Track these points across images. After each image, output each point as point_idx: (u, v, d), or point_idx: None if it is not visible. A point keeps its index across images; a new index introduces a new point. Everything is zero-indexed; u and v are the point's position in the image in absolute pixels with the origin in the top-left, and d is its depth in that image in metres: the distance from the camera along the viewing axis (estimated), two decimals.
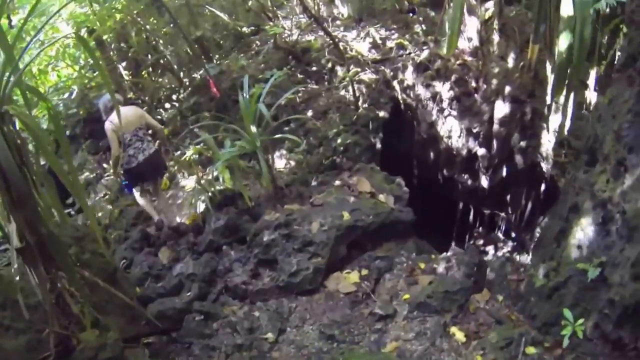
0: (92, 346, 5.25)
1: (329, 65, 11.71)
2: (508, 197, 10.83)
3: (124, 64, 14.12)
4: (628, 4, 5.84)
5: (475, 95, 10.01)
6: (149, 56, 13.96)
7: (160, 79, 14.30)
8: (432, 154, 11.41)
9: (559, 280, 5.59)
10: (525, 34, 9.09)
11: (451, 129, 10.53)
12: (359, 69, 11.05)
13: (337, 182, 8.56)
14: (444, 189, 11.72)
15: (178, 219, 9.81)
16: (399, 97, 11.11)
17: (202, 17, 13.55)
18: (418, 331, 5.98)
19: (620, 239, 4.95)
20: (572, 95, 7.65)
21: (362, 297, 6.72)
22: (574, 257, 5.54)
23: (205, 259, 7.46)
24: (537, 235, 9.85)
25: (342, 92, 11.08)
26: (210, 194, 8.51)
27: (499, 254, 11.27)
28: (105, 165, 12.78)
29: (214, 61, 12.76)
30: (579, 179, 5.89)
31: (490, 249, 11.49)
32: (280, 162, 10.25)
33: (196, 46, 11.91)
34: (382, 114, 10.71)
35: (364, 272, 7.08)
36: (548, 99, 8.62)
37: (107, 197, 11.43)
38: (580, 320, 5.13)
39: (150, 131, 9.44)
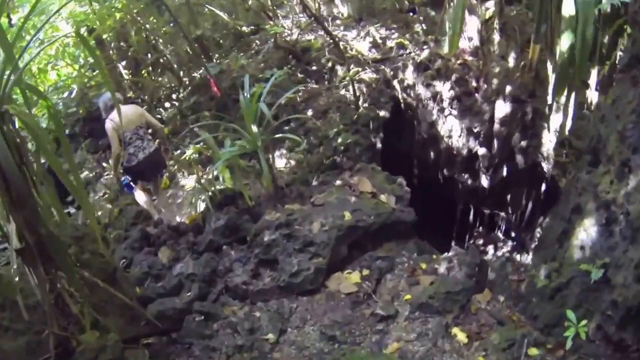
0: (92, 348, 5.22)
1: (329, 64, 11.70)
2: (508, 197, 10.82)
3: (123, 63, 14.14)
4: (631, 5, 5.82)
5: (476, 94, 10.00)
6: (149, 55, 13.98)
7: (160, 78, 14.32)
8: (432, 154, 11.40)
9: (561, 281, 5.57)
10: (526, 34, 9.08)
11: (451, 129, 10.52)
12: (359, 69, 11.04)
13: (338, 182, 8.53)
14: (444, 188, 11.71)
15: (178, 219, 9.80)
16: (400, 96, 11.09)
17: (202, 16, 13.54)
18: (420, 332, 5.95)
19: (623, 240, 4.92)
20: (573, 95, 7.64)
21: (363, 298, 6.67)
22: (576, 258, 5.53)
23: (206, 258, 7.42)
24: (538, 235, 9.84)
25: (343, 92, 11.07)
26: (210, 193, 8.48)
27: (499, 253, 11.27)
28: (104, 164, 12.78)
29: (214, 60, 12.76)
30: (581, 179, 5.87)
31: (490, 248, 11.49)
32: (280, 161, 10.23)
33: (196, 45, 11.89)
34: (382, 113, 10.70)
35: (365, 272, 7.03)
36: (549, 98, 8.61)
37: (106, 196, 11.43)
38: (583, 322, 5.10)
39: (150, 130, 9.44)
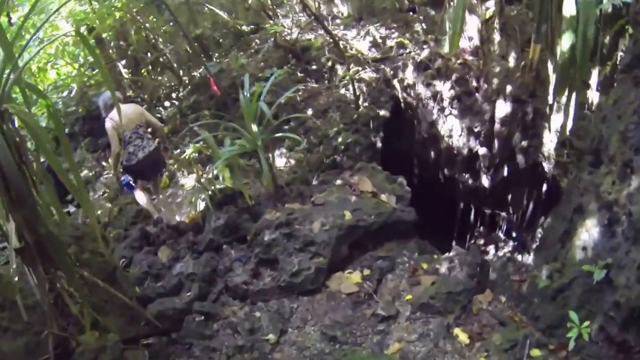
0: (91, 348, 5.19)
1: (329, 63, 11.68)
2: (509, 196, 10.81)
3: (123, 62, 14.14)
4: (633, 5, 5.81)
5: (476, 94, 9.98)
6: (149, 54, 13.97)
7: (159, 77, 14.31)
8: (432, 153, 11.39)
9: (564, 282, 5.55)
10: (527, 34, 9.07)
11: (452, 128, 10.50)
12: (359, 68, 11.02)
13: (338, 182, 8.51)
14: (444, 188, 11.69)
15: (178, 218, 9.77)
16: (400, 96, 11.08)
17: (202, 15, 13.51)
18: (421, 332, 5.92)
19: (626, 240, 4.91)
20: (574, 95, 7.62)
21: (364, 298, 6.65)
22: (578, 259, 5.51)
23: (205, 258, 7.40)
24: (539, 235, 9.82)
25: (342, 91, 11.05)
26: (210, 192, 8.46)
27: (500, 253, 11.25)
28: (104, 163, 12.76)
29: (214, 59, 12.74)
30: (583, 179, 5.85)
31: (491, 248, 11.47)
32: (280, 160, 10.22)
33: (196, 44, 11.87)
34: (382, 112, 10.69)
35: (366, 272, 7.02)
36: (550, 98, 8.59)
37: (106, 195, 11.40)
38: (586, 323, 5.08)
39: (149, 129, 9.42)
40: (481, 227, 11.94)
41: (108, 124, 8.83)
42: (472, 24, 9.71)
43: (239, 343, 6.14)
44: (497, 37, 9.58)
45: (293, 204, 8.05)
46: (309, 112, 10.70)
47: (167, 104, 13.51)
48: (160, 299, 7.04)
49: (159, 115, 12.75)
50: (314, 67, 11.87)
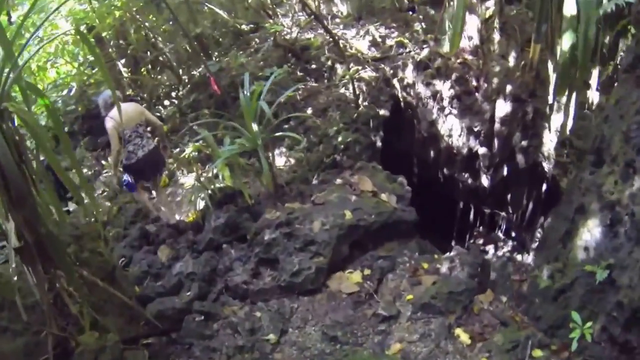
0: (91, 349, 5.18)
1: (329, 63, 11.67)
2: (509, 196, 10.80)
3: (123, 61, 14.15)
4: (635, 4, 5.80)
5: (476, 94, 9.97)
6: (148, 53, 13.98)
7: (159, 76, 14.33)
8: (432, 153, 11.38)
9: (565, 282, 5.54)
10: (526, 33, 9.06)
11: (452, 128, 10.49)
12: (359, 67, 11.00)
13: (339, 181, 8.49)
14: (444, 187, 11.68)
15: (177, 217, 9.76)
16: (399, 95, 11.07)
17: (201, 15, 13.51)
18: (422, 333, 5.90)
19: (628, 240, 4.89)
20: (574, 95, 7.61)
21: (365, 298, 6.63)
22: (580, 259, 5.49)
23: (205, 257, 7.38)
24: (538, 235, 9.84)
25: (342, 90, 11.03)
26: (209, 191, 8.44)
27: (499, 253, 11.24)
28: (103, 162, 12.77)
29: (213, 59, 12.73)
30: (585, 179, 5.83)
31: (490, 248, 11.46)
32: (280, 160, 10.20)
33: (195, 43, 11.86)
34: (382, 112, 10.68)
35: (367, 272, 6.99)
36: (550, 98, 8.58)
37: (105, 194, 11.38)
38: (589, 323, 5.06)
39: (149, 128, 9.41)
40: (480, 227, 11.94)
41: (108, 123, 8.82)
42: (472, 24, 9.69)
43: (239, 343, 6.12)
44: (497, 36, 9.57)
45: (293, 203, 8.03)
46: (309, 111, 10.68)
47: (166, 102, 13.52)
48: (160, 298, 7.01)
49: (158, 114, 12.75)
50: (313, 66, 11.86)
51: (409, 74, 10.86)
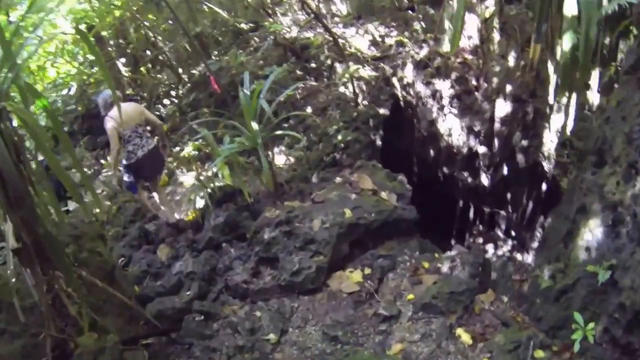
0: (90, 350, 5.15)
1: (329, 62, 11.66)
2: (509, 195, 10.78)
3: (122, 60, 14.15)
4: (637, 5, 5.77)
5: (476, 93, 9.97)
6: (148, 52, 13.99)
7: (159, 75, 14.34)
8: (432, 152, 11.38)
9: (567, 283, 5.50)
10: (526, 33, 9.04)
11: (451, 127, 10.49)
12: (358, 66, 10.98)
13: (338, 179, 8.47)
14: (444, 186, 11.67)
15: (177, 216, 9.74)
16: (399, 94, 11.07)
17: (201, 14, 13.51)
18: (423, 333, 5.88)
19: (630, 241, 4.86)
20: (574, 96, 7.59)
21: (365, 297, 6.61)
22: (582, 259, 5.46)
23: (205, 256, 7.37)
24: (538, 234, 9.82)
25: (342, 89, 11.03)
26: (209, 190, 8.42)
27: (499, 252, 11.22)
28: (102, 162, 12.77)
29: (213, 57, 12.72)
30: (586, 180, 5.80)
31: (490, 247, 11.43)
32: (279, 158, 10.19)
33: (195, 42, 11.85)
34: (382, 111, 10.67)
35: (367, 271, 6.97)
36: (550, 99, 8.56)
37: (105, 193, 11.36)
38: (591, 325, 5.03)
39: (149, 127, 9.40)
40: (480, 226, 11.91)
41: (108, 123, 8.82)
42: (472, 23, 9.69)
43: (239, 343, 6.10)
44: (496, 36, 9.56)
45: (293, 201, 8.01)
46: (309, 110, 10.68)
47: (166, 101, 13.55)
48: (160, 298, 7.00)
49: (158, 113, 12.77)
50: (313, 65, 11.86)
51: (409, 73, 10.85)
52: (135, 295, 6.91)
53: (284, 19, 13.21)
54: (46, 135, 6.60)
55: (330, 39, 11.29)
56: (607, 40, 7.17)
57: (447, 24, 10.30)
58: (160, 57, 14.02)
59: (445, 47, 10.30)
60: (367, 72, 11.03)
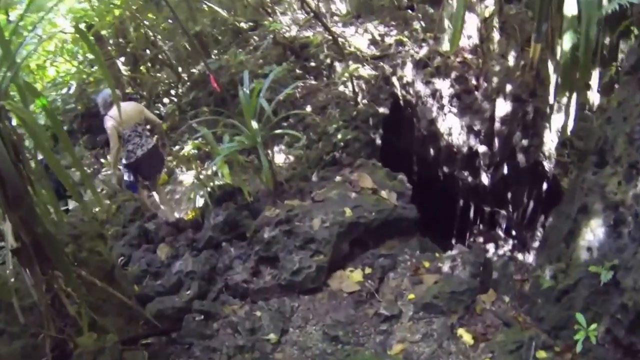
0: (89, 350, 5.12)
1: (328, 61, 11.66)
2: (509, 194, 10.78)
3: (122, 59, 14.15)
4: (638, 5, 5.75)
5: (476, 92, 9.96)
6: (148, 51, 13.99)
7: (158, 74, 14.35)
8: (432, 151, 11.38)
9: (569, 283, 5.48)
10: (526, 33, 9.04)
11: (451, 126, 10.49)
12: (358, 65, 10.97)
13: (338, 178, 8.45)
14: (444, 185, 11.66)
15: (177, 215, 9.73)
16: (399, 93, 11.07)
17: (201, 13, 13.51)
18: (424, 333, 5.84)
19: (632, 242, 4.85)
20: (574, 96, 7.58)
21: (366, 297, 6.58)
22: (583, 259, 5.44)
23: (205, 256, 7.35)
24: (539, 234, 9.81)
25: (341, 88, 11.04)
26: (209, 189, 8.40)
27: (500, 252, 11.22)
28: (102, 160, 12.76)
29: (213, 56, 12.72)
30: (587, 179, 5.78)
31: (490, 247, 11.43)
32: (279, 157, 10.19)
33: (195, 41, 11.85)
34: (381, 110, 10.67)
35: (368, 270, 6.93)
36: (550, 98, 8.55)
37: (104, 192, 11.35)
38: (594, 325, 5.01)
39: (148, 126, 9.39)
40: (481, 225, 11.91)
41: (107, 123, 8.81)
42: (471, 23, 9.68)
43: (239, 343, 6.07)
44: (496, 35, 9.55)
45: (293, 200, 7.99)
46: (308, 108, 10.68)
47: (166, 100, 13.55)
48: (160, 297, 6.99)
49: (157, 112, 12.77)
50: (312, 64, 11.86)
51: (408, 72, 10.85)
52: (135, 295, 6.90)
53: (283, 18, 13.22)
54: (45, 134, 6.59)
55: (330, 38, 11.29)
56: (607, 40, 7.16)
57: (446, 23, 10.29)
58: (160, 56, 14.02)
59: (445, 46, 10.30)
60: (366, 71, 11.03)
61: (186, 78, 13.29)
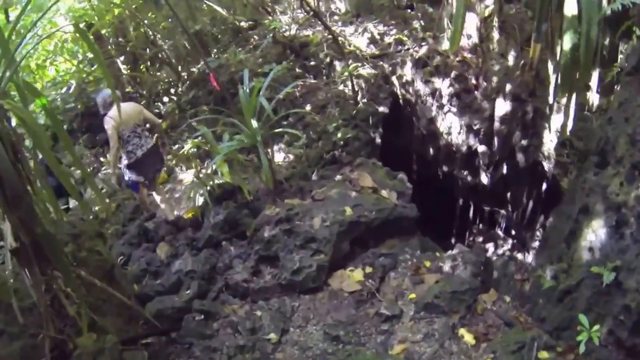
0: (89, 351, 5.10)
1: (328, 59, 11.65)
2: (509, 194, 10.77)
3: (122, 58, 14.13)
4: (639, 5, 5.74)
5: (475, 92, 9.96)
6: (147, 50, 13.97)
7: (158, 73, 14.35)
8: (431, 150, 11.38)
9: (571, 283, 5.47)
10: (526, 32, 9.05)
11: (451, 125, 10.49)
12: (358, 64, 10.95)
13: (338, 177, 8.45)
14: (443, 184, 11.65)
15: (176, 213, 9.71)
16: (398, 92, 11.05)
17: (200, 12, 13.52)
18: (426, 332, 5.83)
19: (635, 243, 4.84)
20: (574, 96, 7.56)
21: (367, 296, 6.57)
22: (585, 260, 5.42)
23: (205, 255, 7.33)
24: (539, 234, 9.80)
25: (341, 87, 11.04)
26: (208, 187, 8.38)
27: (499, 251, 11.22)
28: (102, 159, 12.74)
29: (212, 55, 12.71)
30: (588, 180, 5.77)
31: (490, 246, 11.43)
32: (279, 156, 10.18)
33: (194, 40, 11.83)
34: (381, 109, 10.66)
35: (368, 269, 6.92)
36: (550, 98, 8.54)
37: (104, 190, 11.34)
38: (596, 327, 4.99)
39: (147, 125, 9.38)
40: (480, 225, 11.90)
41: (107, 124, 8.79)
42: (471, 22, 9.67)
43: (240, 343, 6.06)
44: (496, 35, 9.54)
45: (293, 199, 7.99)
46: (308, 107, 10.67)
47: (165, 99, 13.54)
48: (159, 297, 6.97)
49: (157, 110, 12.75)
50: (312, 63, 11.86)
51: (408, 72, 10.84)
52: (135, 295, 6.88)
53: (283, 16, 13.22)
54: (45, 133, 6.57)
55: (330, 36, 11.28)
56: (606, 41, 7.15)
57: (446, 23, 10.28)
58: (160, 55, 14.01)
59: (445, 45, 10.30)
60: (366, 70, 11.01)
61: (186, 77, 13.27)
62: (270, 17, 13.06)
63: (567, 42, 6.86)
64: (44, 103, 5.17)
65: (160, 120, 10.37)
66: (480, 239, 11.71)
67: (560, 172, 8.52)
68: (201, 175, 8.98)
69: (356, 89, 10.56)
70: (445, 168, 11.33)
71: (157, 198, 9.88)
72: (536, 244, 9.80)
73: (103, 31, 12.95)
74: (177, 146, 11.71)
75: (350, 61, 10.89)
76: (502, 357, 5.28)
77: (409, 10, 12.24)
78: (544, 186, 9.67)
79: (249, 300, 6.87)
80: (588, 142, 6.67)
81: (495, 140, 9.93)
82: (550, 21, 7.47)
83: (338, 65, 11.45)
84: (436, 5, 11.00)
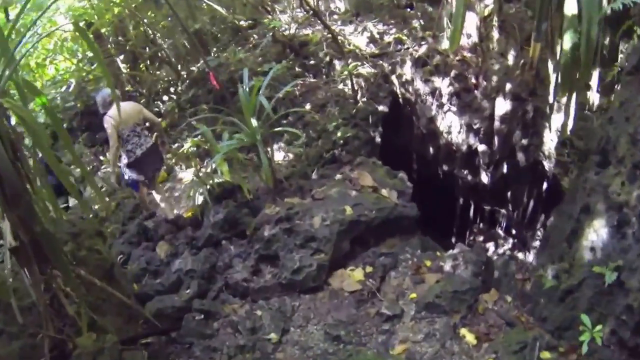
0: (89, 351, 5.08)
1: (327, 58, 11.64)
2: (509, 193, 10.75)
3: (121, 57, 14.12)
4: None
5: (475, 91, 9.94)
6: (147, 49, 13.96)
7: (158, 72, 14.34)
8: (431, 149, 11.36)
9: (572, 283, 5.46)
10: (526, 32, 9.03)
11: (451, 125, 10.48)
12: (357, 63, 10.94)
13: (338, 176, 8.43)
14: (443, 184, 11.63)
15: (176, 212, 9.70)
16: (398, 91, 11.04)
17: (200, 11, 13.51)
18: (427, 332, 5.81)
19: (637, 242, 4.82)
20: (574, 96, 7.55)
21: (367, 296, 6.54)
22: (587, 260, 5.41)
23: (205, 254, 7.31)
24: (539, 233, 9.79)
25: (341, 86, 11.02)
26: (208, 186, 8.36)
27: (500, 251, 11.20)
28: (102, 158, 12.74)
29: (212, 54, 12.71)
30: (589, 179, 5.76)
31: (490, 245, 11.41)
32: (278, 154, 10.16)
33: (194, 39, 11.82)
34: (381, 108, 10.65)
35: (369, 269, 6.90)
36: (550, 98, 8.53)
37: (104, 189, 11.33)
38: (599, 327, 4.97)
39: (147, 124, 9.37)
40: (480, 224, 11.89)
41: (107, 123, 8.78)
42: (471, 21, 9.65)
43: (240, 342, 6.04)
44: (495, 34, 9.53)
45: (292, 198, 7.97)
46: (308, 106, 10.65)
47: (165, 98, 13.53)
48: (159, 296, 6.95)
49: (157, 109, 12.74)
50: (312, 62, 11.85)
51: (408, 71, 10.82)
52: (135, 294, 6.85)
53: (282, 15, 13.21)
54: (44, 132, 6.56)
55: (329, 36, 11.27)
56: (607, 40, 7.13)
57: (445, 22, 10.27)
58: (159, 54, 14.01)
59: (444, 44, 10.29)
60: (365, 69, 10.99)
61: (185, 76, 13.27)
62: (269, 16, 13.04)
63: (567, 41, 6.85)
64: (44, 102, 5.15)
65: (159, 119, 10.36)
66: (481, 238, 11.70)
67: (560, 171, 8.49)
68: (201, 174, 8.96)
69: (356, 88, 10.55)
70: (445, 167, 11.31)
71: (157, 197, 9.88)
72: (537, 243, 9.79)
73: (103, 30, 12.95)
74: (176, 145, 11.70)
75: (349, 60, 10.87)
76: (504, 357, 5.27)
77: (409, 10, 12.24)
78: (545, 185, 9.66)
79: (249, 299, 6.85)
80: (589, 142, 6.66)
81: (496, 139, 9.92)
82: (550, 20, 7.46)
83: (338, 64, 11.43)
84: (436, 5, 10.98)
